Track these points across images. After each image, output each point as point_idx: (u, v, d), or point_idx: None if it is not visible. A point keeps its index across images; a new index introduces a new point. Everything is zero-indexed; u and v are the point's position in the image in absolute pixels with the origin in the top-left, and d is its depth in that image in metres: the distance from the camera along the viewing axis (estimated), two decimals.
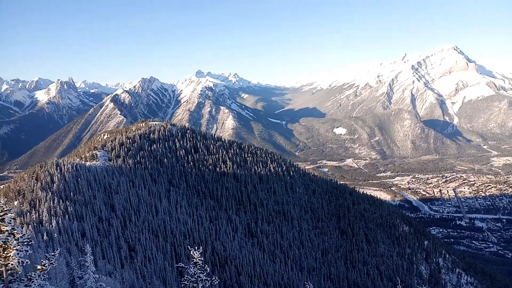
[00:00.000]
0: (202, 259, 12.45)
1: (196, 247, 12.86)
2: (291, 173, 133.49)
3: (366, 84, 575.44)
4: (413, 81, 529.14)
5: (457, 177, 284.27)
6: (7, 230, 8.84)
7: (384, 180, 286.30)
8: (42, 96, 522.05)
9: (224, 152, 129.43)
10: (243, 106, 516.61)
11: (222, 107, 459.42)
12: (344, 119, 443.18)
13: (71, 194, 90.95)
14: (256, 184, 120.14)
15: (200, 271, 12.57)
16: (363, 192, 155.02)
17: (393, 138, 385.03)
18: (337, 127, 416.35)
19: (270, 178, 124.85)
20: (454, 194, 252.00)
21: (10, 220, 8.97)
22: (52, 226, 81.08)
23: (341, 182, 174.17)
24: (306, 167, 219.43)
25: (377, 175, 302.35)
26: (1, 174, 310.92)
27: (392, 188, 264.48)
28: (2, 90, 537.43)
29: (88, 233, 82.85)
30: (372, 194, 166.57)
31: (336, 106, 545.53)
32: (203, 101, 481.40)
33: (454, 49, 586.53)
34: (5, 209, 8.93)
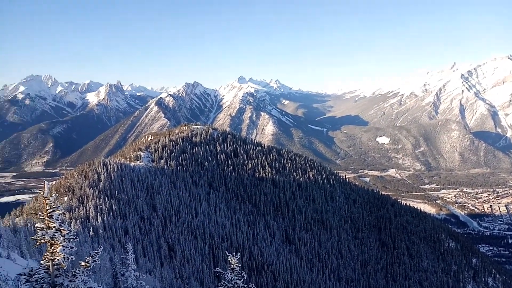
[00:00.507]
0: (240, 265, 12.29)
1: (234, 253, 12.73)
2: (331, 181, 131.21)
3: (411, 93, 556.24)
4: (462, 91, 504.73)
5: (510, 192, 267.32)
6: (54, 227, 9.18)
7: (428, 193, 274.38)
8: (92, 98, 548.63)
9: (264, 157, 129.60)
10: (283, 112, 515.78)
11: (262, 113, 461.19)
12: (388, 128, 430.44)
13: (116, 193, 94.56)
14: (295, 191, 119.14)
15: (237, 278, 12.43)
16: (406, 204, 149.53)
17: (439, 149, 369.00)
18: (380, 136, 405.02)
19: (309, 186, 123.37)
20: (506, 211, 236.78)
21: (58, 217, 9.31)
22: (97, 222, 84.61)
23: (383, 193, 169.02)
24: (346, 176, 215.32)
25: (421, 187, 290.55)
26: (54, 171, 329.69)
27: (437, 201, 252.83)
28: (57, 92, 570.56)
29: (131, 231, 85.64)
30: (415, 207, 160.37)
31: (379, 114, 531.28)
32: (244, 107, 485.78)
33: (509, 58, 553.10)
34: (54, 206, 9.27)
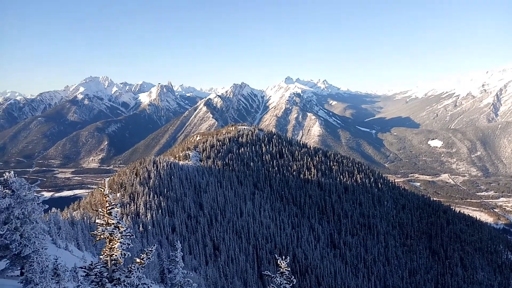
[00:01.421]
0: (289, 269, 12.25)
1: (283, 257, 12.69)
2: (379, 185, 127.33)
3: (468, 94, 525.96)
4: None
5: None
6: (113, 223, 9.69)
7: (485, 200, 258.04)
8: (144, 99, 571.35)
9: (309, 159, 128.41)
10: (330, 113, 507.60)
11: (309, 114, 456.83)
12: (441, 130, 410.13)
13: (165, 191, 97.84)
14: (341, 194, 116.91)
15: (286, 282, 12.39)
16: (459, 211, 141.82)
17: (498, 154, 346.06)
18: (433, 139, 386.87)
19: (356, 189, 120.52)
20: None
21: (116, 214, 9.81)
22: (147, 219, 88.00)
23: (435, 199, 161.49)
24: (395, 180, 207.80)
25: (477, 193, 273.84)
26: (108, 168, 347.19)
27: (495, 210, 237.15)
28: (112, 92, 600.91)
29: (178, 228, 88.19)
30: (470, 215, 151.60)
31: (432, 116, 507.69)
32: (290, 107, 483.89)
33: None
34: (113, 203, 9.79)
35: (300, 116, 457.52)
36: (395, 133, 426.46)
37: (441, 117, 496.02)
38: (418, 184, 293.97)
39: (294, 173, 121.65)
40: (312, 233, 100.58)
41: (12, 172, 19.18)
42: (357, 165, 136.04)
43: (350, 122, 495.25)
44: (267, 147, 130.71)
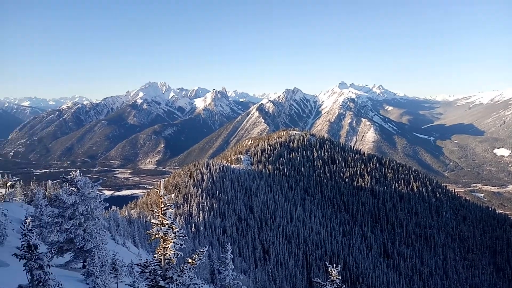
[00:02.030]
0: (340, 277, 12.01)
1: (334, 264, 12.47)
2: (438, 195, 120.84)
3: None
4: None
5: None
6: (167, 224, 10.10)
7: None
8: (199, 104, 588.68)
9: (363, 165, 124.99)
10: (386, 119, 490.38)
11: (363, 119, 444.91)
12: (509, 138, 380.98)
13: (217, 193, 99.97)
14: (396, 202, 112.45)
15: None
16: None
17: None
18: (499, 147, 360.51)
19: (412, 198, 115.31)
20: None
21: (171, 215, 10.22)
22: (199, 220, 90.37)
23: (500, 211, 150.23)
24: (456, 190, 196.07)
25: None
26: (164, 169, 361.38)
27: None
28: (170, 97, 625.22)
29: (229, 230, 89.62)
30: None
31: (498, 123, 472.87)
32: (343, 113, 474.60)
33: None
34: (168, 204, 10.21)
35: (354, 122, 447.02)
36: (456, 141, 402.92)
37: (509, 124, 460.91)
38: (482, 195, 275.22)
39: (347, 179, 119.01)
40: (364, 242, 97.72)
41: (78, 171, 20.61)
42: (413, 173, 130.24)
43: (407, 128, 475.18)
44: (319, 153, 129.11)
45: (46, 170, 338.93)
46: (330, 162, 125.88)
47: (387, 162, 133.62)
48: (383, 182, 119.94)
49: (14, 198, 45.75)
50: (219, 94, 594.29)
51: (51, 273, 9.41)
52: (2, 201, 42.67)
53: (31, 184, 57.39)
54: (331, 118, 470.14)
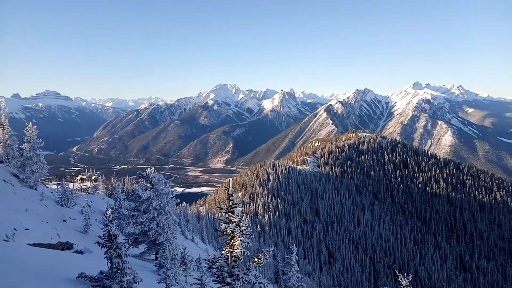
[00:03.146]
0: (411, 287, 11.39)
1: (405, 273, 11.86)
2: None
3: None
4: None
5: None
6: (235, 222, 10.31)
7: None
8: (267, 105, 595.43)
9: (438, 171, 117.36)
10: (465, 122, 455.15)
11: (439, 122, 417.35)
12: None
13: (282, 193, 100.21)
14: (475, 212, 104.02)
15: None
16: None
17: None
18: None
19: (495, 208, 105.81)
20: None
21: (238, 213, 10.42)
22: (264, 219, 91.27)
23: None
24: None
25: None
26: (231, 168, 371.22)
27: None
28: (239, 99, 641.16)
29: (294, 232, 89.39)
30: None
31: None
32: (418, 114, 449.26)
33: None
34: (236, 202, 10.43)
35: (429, 124, 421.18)
36: None
37: None
38: None
39: (420, 185, 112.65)
40: (437, 252, 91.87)
41: (153, 168, 21.91)
42: (497, 181, 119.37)
43: (490, 132, 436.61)
44: (390, 156, 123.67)
45: (124, 166, 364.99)
46: (402, 166, 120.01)
47: (466, 168, 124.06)
48: (461, 190, 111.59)
49: (97, 191, 49.89)
50: (286, 95, 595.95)
51: (128, 262, 10.07)
52: (87, 193, 46.75)
53: (112, 178, 62.16)
54: (404, 120, 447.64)
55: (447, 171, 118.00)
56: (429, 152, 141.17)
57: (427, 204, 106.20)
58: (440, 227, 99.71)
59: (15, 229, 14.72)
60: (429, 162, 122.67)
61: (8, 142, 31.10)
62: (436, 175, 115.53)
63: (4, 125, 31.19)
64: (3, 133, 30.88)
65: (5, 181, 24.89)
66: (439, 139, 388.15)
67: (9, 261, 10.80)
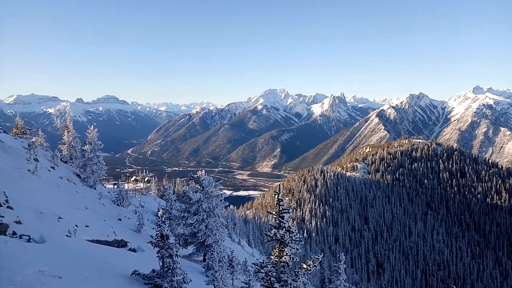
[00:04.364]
0: None
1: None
2: None
3: None
4: None
5: None
6: (285, 227, 10.30)
7: None
8: (316, 109, 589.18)
9: (500, 181, 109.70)
10: None
11: (502, 128, 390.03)
12: None
13: (330, 200, 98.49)
14: None
15: None
16: None
17: None
18: None
19: None
20: None
21: (288, 219, 10.40)
22: (311, 226, 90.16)
23: None
24: None
25: None
26: (279, 173, 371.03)
27: None
28: (288, 103, 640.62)
29: (341, 239, 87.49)
30: None
31: None
32: (478, 120, 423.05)
33: None
34: (285, 208, 10.42)
35: (491, 131, 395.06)
36: None
37: None
38: None
39: (479, 195, 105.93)
40: (498, 268, 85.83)
41: (203, 171, 22.46)
42: None
43: None
44: (446, 164, 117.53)
45: (176, 168, 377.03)
46: (458, 175, 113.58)
47: None
48: None
49: (150, 192, 51.97)
50: (336, 100, 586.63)
51: (179, 263, 10.38)
52: (140, 193, 48.84)
53: (163, 180, 64.50)
54: (462, 126, 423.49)
55: (510, 181, 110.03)
56: (490, 161, 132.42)
57: (487, 216, 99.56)
58: (501, 241, 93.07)
59: (76, 226, 15.71)
60: (490, 171, 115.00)
61: (72, 143, 33.39)
62: (498, 185, 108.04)
63: (69, 128, 33.52)
64: (67, 136, 33.16)
65: (68, 180, 26.68)
66: (502, 147, 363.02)
67: (70, 255, 11.56)
